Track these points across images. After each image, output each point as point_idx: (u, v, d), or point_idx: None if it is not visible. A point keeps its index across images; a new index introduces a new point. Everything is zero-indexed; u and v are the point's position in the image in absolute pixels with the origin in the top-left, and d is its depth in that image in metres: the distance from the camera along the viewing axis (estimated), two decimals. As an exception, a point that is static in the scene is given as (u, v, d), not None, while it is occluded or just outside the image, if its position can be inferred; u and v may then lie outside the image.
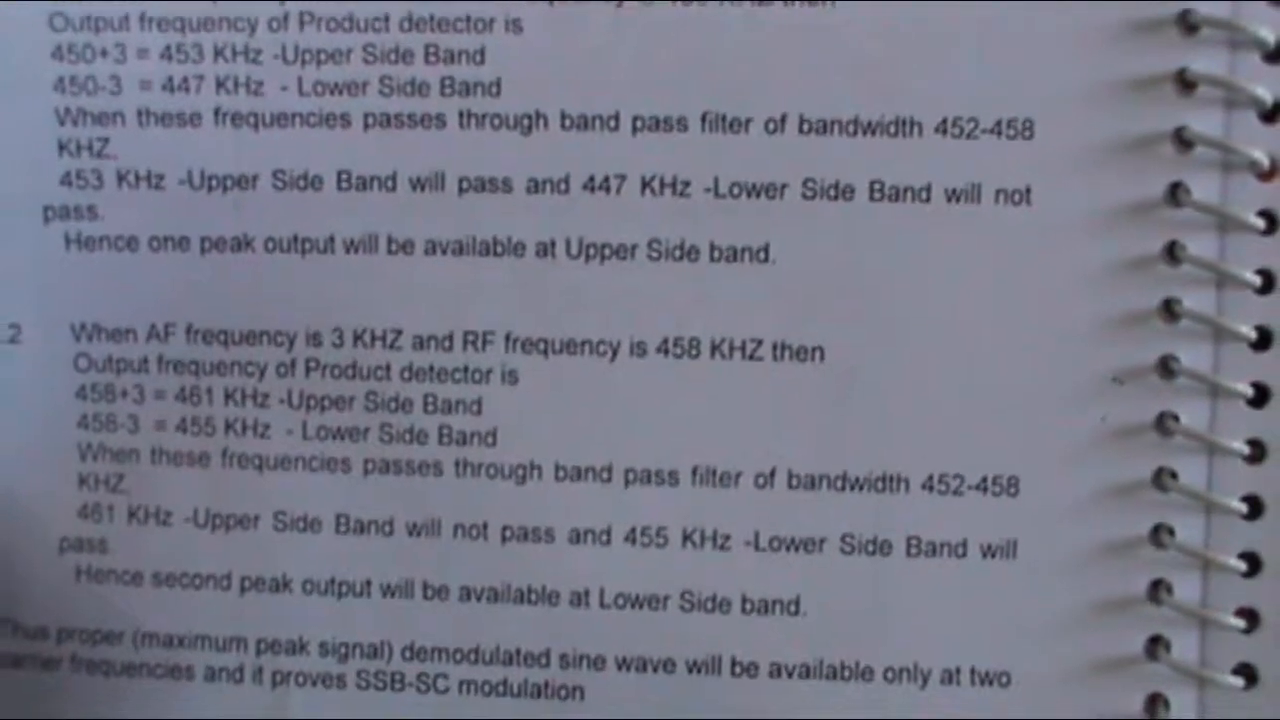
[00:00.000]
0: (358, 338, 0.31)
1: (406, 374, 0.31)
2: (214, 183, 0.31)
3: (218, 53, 0.31)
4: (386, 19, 0.30)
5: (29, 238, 0.32)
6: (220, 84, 0.31)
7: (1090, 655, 0.31)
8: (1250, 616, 0.30)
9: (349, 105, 0.31)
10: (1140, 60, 0.29)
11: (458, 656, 0.32)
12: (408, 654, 0.32)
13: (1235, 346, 0.30)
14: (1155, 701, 0.31)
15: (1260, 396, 0.30)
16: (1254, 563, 0.30)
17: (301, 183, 0.31)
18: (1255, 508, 0.30)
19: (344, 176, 0.31)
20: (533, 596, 0.32)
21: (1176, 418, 0.30)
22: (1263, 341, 0.30)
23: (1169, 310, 0.30)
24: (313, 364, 0.31)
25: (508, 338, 0.31)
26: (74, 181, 0.31)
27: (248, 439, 0.32)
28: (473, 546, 0.32)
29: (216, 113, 0.31)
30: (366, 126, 0.31)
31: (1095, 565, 0.30)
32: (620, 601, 0.31)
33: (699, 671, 0.31)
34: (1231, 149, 0.29)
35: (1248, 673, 0.30)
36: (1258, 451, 0.30)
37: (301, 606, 0.32)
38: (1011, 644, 0.31)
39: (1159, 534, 0.30)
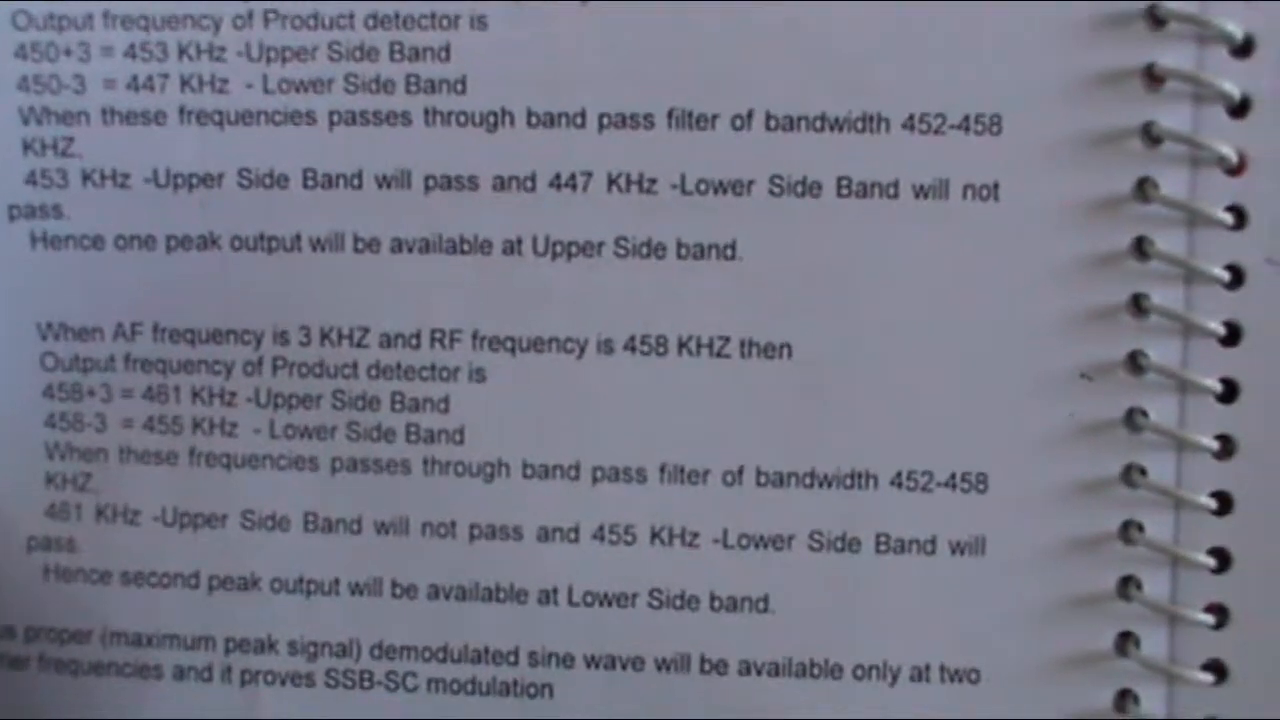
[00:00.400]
0: (325, 336, 0.31)
1: (374, 372, 0.31)
2: (179, 181, 0.31)
3: (182, 51, 0.31)
4: (351, 17, 0.30)
5: (-6, 237, 0.32)
6: (185, 82, 0.31)
7: (1060, 652, 0.31)
8: (1219, 612, 0.30)
9: (314, 103, 0.30)
10: (1108, 55, 0.29)
11: (426, 655, 0.32)
12: (376, 652, 0.32)
13: (1204, 342, 0.30)
14: (1125, 698, 0.31)
15: (1229, 392, 0.30)
16: (1223, 558, 0.30)
17: (267, 181, 0.31)
18: (1224, 503, 0.30)
19: (310, 175, 0.31)
20: (501, 595, 0.32)
21: (1145, 413, 0.30)
22: (1231, 337, 0.30)
23: (1138, 306, 0.30)
24: (280, 362, 0.31)
25: (475, 335, 0.31)
26: (39, 180, 0.31)
27: (215, 438, 0.32)
28: (441, 545, 0.31)
29: (181, 111, 0.31)
30: (332, 124, 0.30)
31: (1064, 561, 0.30)
32: (589, 599, 0.31)
33: (668, 669, 0.31)
34: (1200, 144, 0.29)
35: (1217, 668, 0.30)
36: (1227, 447, 0.30)
37: (270, 605, 0.32)
38: (981, 641, 0.31)
39: (1128, 530, 0.30)
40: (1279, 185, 0.29)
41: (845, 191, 0.30)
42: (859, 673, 0.31)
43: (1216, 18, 0.29)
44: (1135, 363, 0.30)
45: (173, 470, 0.32)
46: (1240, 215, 0.29)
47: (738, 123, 0.30)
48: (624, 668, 0.32)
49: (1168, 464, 0.30)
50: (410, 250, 0.31)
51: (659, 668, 0.31)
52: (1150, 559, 0.30)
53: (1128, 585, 0.30)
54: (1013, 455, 0.30)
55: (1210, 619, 0.30)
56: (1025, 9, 0.29)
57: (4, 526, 0.32)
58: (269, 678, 0.32)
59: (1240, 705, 0.30)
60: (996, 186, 0.30)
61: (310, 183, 0.31)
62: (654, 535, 0.31)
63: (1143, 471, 0.30)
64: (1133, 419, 0.30)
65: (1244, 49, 0.29)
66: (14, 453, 0.32)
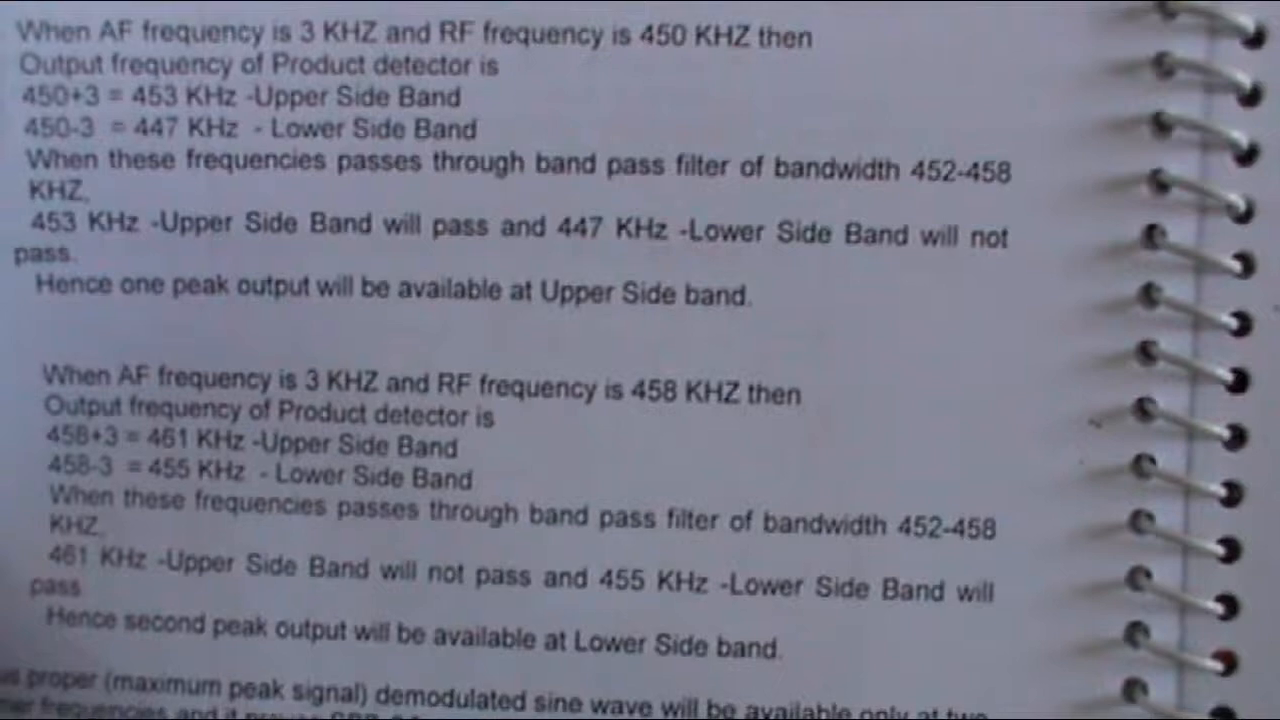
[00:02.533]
0: (332, 380, 0.31)
1: (381, 416, 0.31)
2: (187, 224, 0.31)
3: (191, 94, 0.31)
4: (361, 60, 0.30)
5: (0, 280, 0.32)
6: (194, 126, 0.31)
7: (1067, 698, 0.31)
8: (1228, 660, 0.30)
9: (323, 147, 0.30)
10: (1117, 103, 0.29)
11: (433, 699, 0.32)
12: (383, 697, 0.32)
13: (1212, 389, 0.30)
14: (1134, 738, 0.31)
15: (1237, 439, 0.30)
16: (1231, 605, 0.30)
17: (275, 224, 0.31)
18: (1232, 550, 0.30)
19: (318, 218, 0.31)
20: (508, 639, 0.31)
21: (1153, 460, 0.30)
22: (1239, 384, 0.30)
23: (1145, 352, 0.30)
24: (287, 406, 0.31)
25: (483, 380, 0.31)
26: (46, 224, 0.31)
27: (222, 481, 0.31)
28: (448, 589, 0.31)
29: (190, 154, 0.31)
30: (341, 168, 0.30)
31: (1072, 608, 0.30)
32: (596, 644, 0.31)
33: (675, 714, 0.31)
34: (1207, 192, 0.29)
35: (1226, 716, 0.30)
36: (1234, 494, 0.30)
37: (275, 650, 0.32)
38: (988, 687, 0.31)
39: (1136, 576, 0.30)
40: (1285, 232, 0.30)
41: (854, 237, 0.30)
42: (867, 718, 0.31)
43: (1223, 65, 0.29)
44: (1143, 409, 0.30)
45: (178, 513, 0.32)
46: (1248, 262, 0.29)
47: (747, 168, 0.30)
48: (631, 712, 0.31)
49: (1175, 510, 0.30)
50: (419, 294, 0.31)
51: (666, 712, 0.31)
52: (1158, 605, 0.30)
53: (1135, 631, 0.30)
54: (1021, 501, 0.30)
55: (1219, 666, 0.30)
56: (1034, 55, 0.29)
57: (7, 569, 0.32)
58: (274, 722, 0.32)
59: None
60: (1005, 233, 0.30)
61: (319, 226, 0.31)
62: (661, 580, 0.31)
63: (1150, 518, 0.30)
64: (1140, 465, 0.30)
65: (1251, 95, 0.29)
66: (18, 495, 0.32)
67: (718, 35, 0.30)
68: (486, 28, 0.30)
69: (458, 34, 0.30)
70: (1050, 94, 0.29)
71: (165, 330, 0.31)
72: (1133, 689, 0.30)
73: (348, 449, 0.31)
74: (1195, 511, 0.30)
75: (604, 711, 0.31)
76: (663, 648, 0.31)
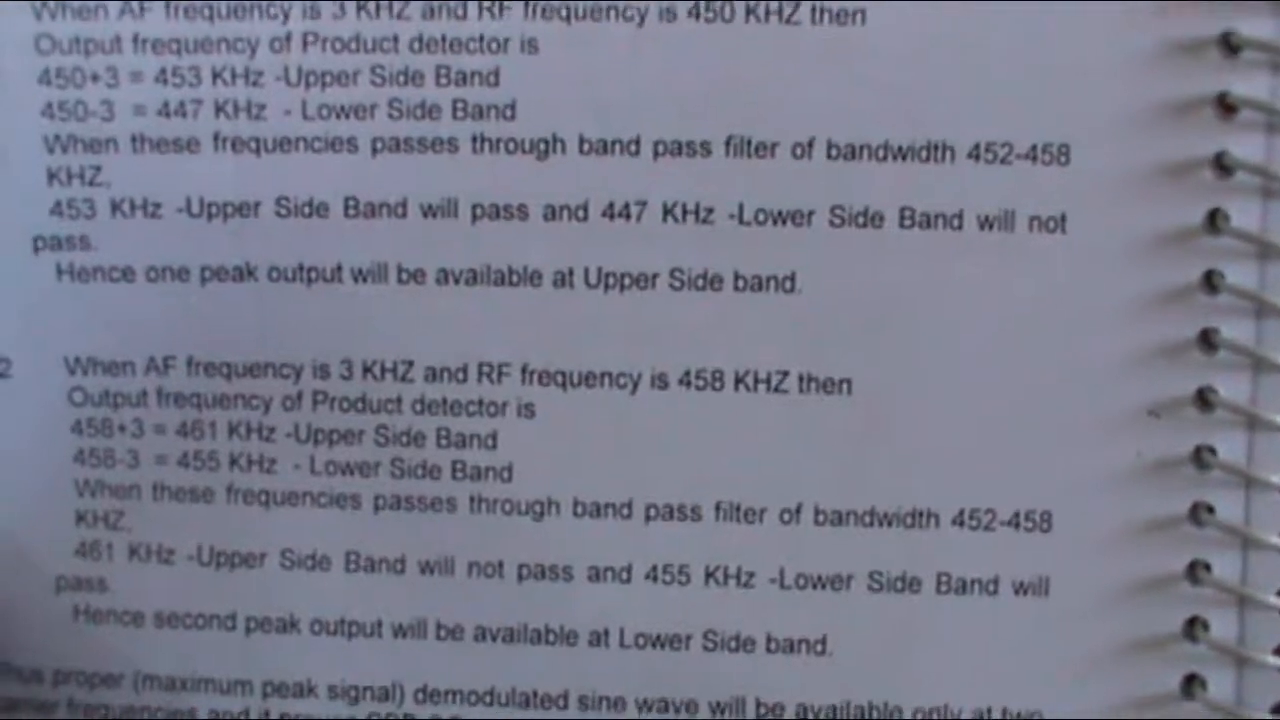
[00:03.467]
0: (367, 370, 0.30)
1: (419, 407, 0.30)
2: (214, 211, 0.30)
3: (216, 75, 0.29)
4: (395, 39, 0.29)
5: (17, 269, 0.30)
6: (219, 108, 0.29)
7: (1124, 695, 0.30)
8: (1292, 655, 0.30)
9: (356, 129, 0.29)
10: (1180, 83, 0.28)
11: (473, 699, 0.31)
12: (420, 697, 0.31)
13: (1275, 378, 0.29)
14: (1189, 740, 0.30)
15: (1302, 430, 0.29)
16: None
17: (306, 210, 0.30)
18: (1298, 544, 0.29)
19: (351, 203, 0.30)
20: (550, 636, 0.31)
21: (1214, 451, 0.29)
22: (1306, 374, 0.29)
23: (1207, 341, 0.29)
24: (320, 397, 0.30)
25: (524, 370, 0.30)
26: (65, 211, 0.30)
27: (253, 474, 0.31)
28: (488, 585, 0.30)
29: (216, 138, 0.30)
30: (375, 151, 0.29)
31: (1130, 603, 0.30)
32: (641, 641, 0.31)
33: (723, 713, 0.31)
34: (1273, 175, 0.28)
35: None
36: (1300, 488, 0.29)
37: (309, 648, 0.31)
38: (1043, 684, 0.30)
39: (1195, 570, 0.30)
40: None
41: (908, 222, 0.29)
42: (919, 716, 0.30)
43: (1292, 44, 0.28)
44: (1204, 399, 0.29)
45: (209, 508, 0.31)
46: (1313, 248, 0.29)
47: (798, 151, 0.29)
48: (678, 711, 0.31)
49: (1237, 502, 0.29)
50: (457, 282, 0.30)
51: (714, 711, 0.31)
52: (1218, 600, 0.30)
53: (1195, 626, 0.30)
54: (1078, 494, 0.30)
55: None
56: (1095, 35, 0.28)
57: (32, 566, 0.31)
58: (308, 722, 0.31)
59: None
60: (1064, 218, 0.29)
61: (352, 212, 0.30)
62: (709, 575, 0.30)
63: (1210, 510, 0.29)
64: (1201, 457, 0.29)
65: (1322, 78, 0.28)
66: (42, 490, 0.31)
67: (768, 13, 0.29)
68: (526, 4, 0.29)
69: (496, 11, 0.29)
70: (1111, 75, 0.28)
71: (192, 320, 0.30)
72: (1191, 685, 0.30)
73: (383, 441, 0.30)
74: (1257, 504, 0.29)
75: (649, 711, 0.31)
76: (710, 645, 0.30)
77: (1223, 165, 0.29)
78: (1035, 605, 0.30)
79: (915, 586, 0.30)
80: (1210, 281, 0.29)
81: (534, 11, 0.29)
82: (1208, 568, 0.30)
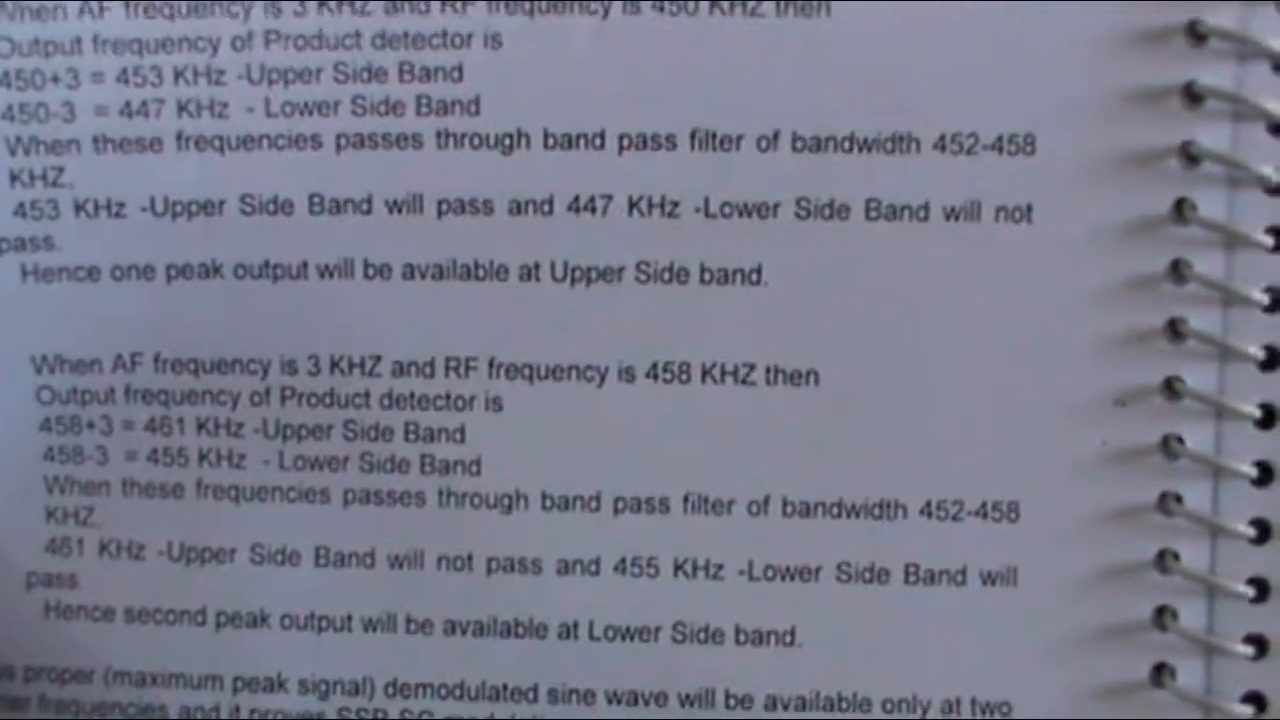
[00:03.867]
0: (335, 365, 0.30)
1: (386, 401, 0.30)
2: (179, 209, 0.30)
3: (178, 75, 0.29)
4: (358, 35, 0.29)
5: (-20, 271, 0.30)
6: (182, 107, 0.29)
7: (1093, 684, 0.30)
8: (1259, 644, 0.29)
9: (320, 126, 0.29)
10: (1146, 72, 0.28)
11: (443, 692, 0.31)
12: (390, 691, 0.31)
13: (1242, 367, 0.29)
14: (1160, 728, 0.30)
15: (1268, 418, 0.29)
16: (1262, 588, 0.29)
17: (271, 207, 0.29)
18: (1263, 531, 0.29)
19: (316, 200, 0.29)
20: (520, 630, 0.31)
21: (1181, 440, 0.29)
22: (1270, 361, 0.29)
23: (1174, 330, 0.29)
24: (289, 392, 0.30)
25: (491, 363, 0.30)
26: (28, 212, 0.30)
27: (222, 469, 0.30)
28: (457, 578, 0.30)
29: (179, 137, 0.29)
30: (339, 148, 0.29)
31: (1098, 592, 0.30)
32: (610, 634, 0.31)
33: (692, 704, 0.31)
34: (1240, 164, 0.28)
35: (1257, 701, 0.30)
36: (1265, 474, 0.29)
37: (279, 643, 0.31)
38: (1012, 673, 0.30)
39: (1164, 559, 0.29)
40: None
41: (874, 214, 0.29)
42: (888, 706, 0.30)
43: (1259, 33, 0.28)
44: (1171, 388, 0.29)
45: (178, 503, 0.31)
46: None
47: (763, 144, 0.29)
48: (647, 703, 0.31)
49: (1204, 492, 0.29)
50: (423, 277, 0.30)
51: (683, 703, 0.31)
52: (1186, 589, 0.29)
53: (1163, 615, 0.30)
54: (1045, 483, 0.29)
55: (1249, 650, 0.29)
56: (1060, 24, 0.28)
57: (2, 563, 0.31)
58: (279, 717, 0.31)
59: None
60: (1030, 208, 0.29)
61: (317, 208, 0.29)
62: (677, 567, 0.30)
63: (1179, 499, 0.29)
64: (1168, 446, 0.29)
65: (1287, 67, 0.28)
66: (12, 487, 0.31)
67: (732, 6, 0.29)
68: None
69: (459, 6, 0.29)
70: (1077, 64, 0.28)
71: (159, 317, 0.30)
72: (1161, 674, 0.30)
73: (352, 435, 0.30)
74: (1225, 493, 0.29)
75: (619, 703, 0.31)
76: (679, 637, 0.30)
77: (1189, 154, 0.28)
78: (1003, 595, 0.30)
79: (883, 577, 0.30)
80: (1177, 271, 0.29)
81: (497, 6, 0.29)
82: (1176, 556, 0.29)
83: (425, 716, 0.31)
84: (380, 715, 0.31)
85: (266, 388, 0.30)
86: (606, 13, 0.29)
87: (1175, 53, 0.28)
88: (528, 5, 0.29)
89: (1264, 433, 0.29)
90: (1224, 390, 0.29)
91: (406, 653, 0.31)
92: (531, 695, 0.31)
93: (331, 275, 0.30)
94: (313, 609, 0.31)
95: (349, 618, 0.31)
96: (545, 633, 0.31)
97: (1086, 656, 0.30)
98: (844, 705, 0.30)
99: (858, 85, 0.29)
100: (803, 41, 0.29)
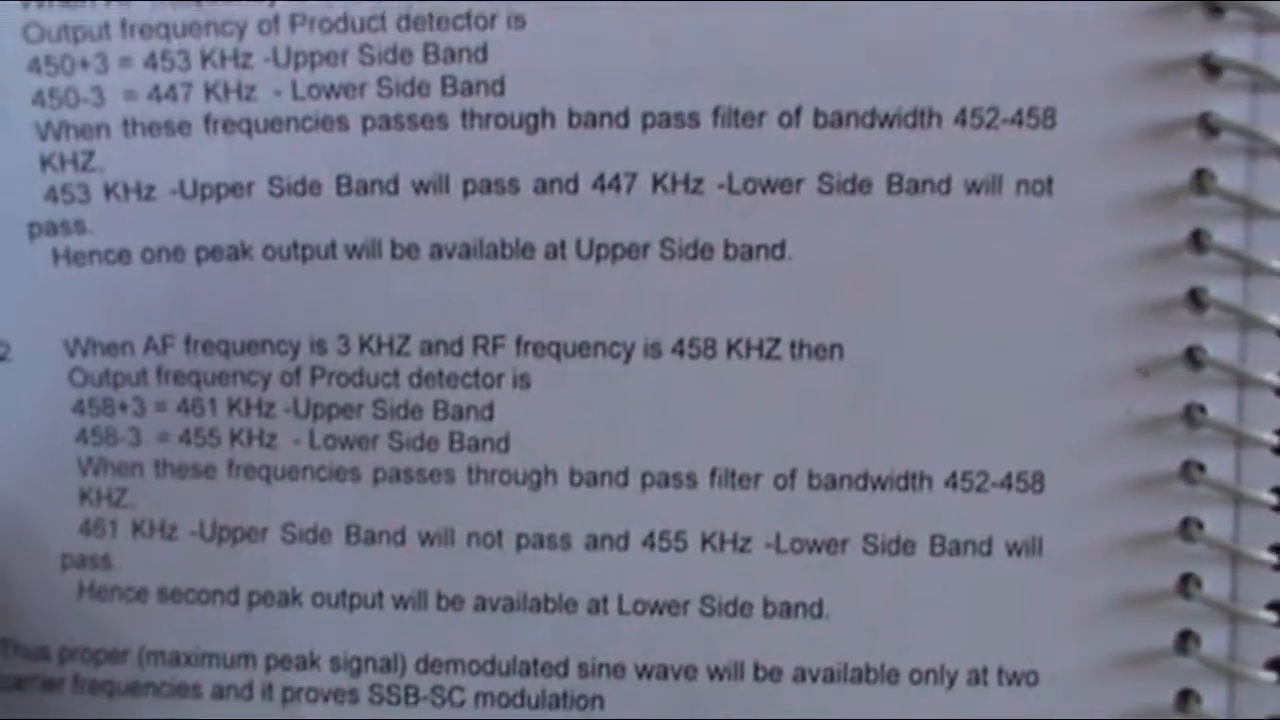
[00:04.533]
0: (364, 344, 0.30)
1: (415, 380, 0.30)
2: (207, 192, 0.30)
3: (205, 58, 0.30)
4: (383, 18, 0.29)
5: (14, 255, 0.31)
6: (210, 91, 0.30)
7: (1119, 651, 0.30)
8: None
9: (346, 108, 0.30)
10: (1164, 44, 0.29)
11: (474, 668, 0.31)
12: (422, 666, 0.31)
13: (1263, 335, 0.29)
14: (1186, 697, 0.30)
15: (1291, 388, 0.29)
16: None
17: (299, 188, 0.30)
18: (1287, 499, 0.30)
19: (344, 181, 0.30)
20: (550, 605, 0.31)
21: (1204, 409, 0.30)
22: (1294, 331, 0.29)
23: (1195, 300, 0.29)
24: (318, 372, 0.31)
25: (519, 341, 0.30)
26: (59, 197, 0.30)
27: (254, 449, 0.31)
28: (487, 555, 0.31)
29: (207, 120, 0.30)
30: (365, 129, 0.30)
31: (1122, 560, 0.30)
32: (639, 608, 0.31)
33: (721, 677, 0.31)
34: (1258, 135, 0.29)
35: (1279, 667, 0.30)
36: (1288, 444, 0.30)
37: (312, 620, 0.31)
38: (1038, 642, 0.30)
39: (1187, 528, 0.30)
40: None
41: (896, 188, 0.29)
42: (915, 677, 0.31)
43: (1276, 5, 0.28)
44: (1193, 358, 0.29)
45: (210, 484, 0.31)
46: (1301, 207, 0.29)
47: (785, 120, 0.29)
48: (676, 677, 0.31)
49: (1227, 460, 0.30)
50: (450, 256, 0.30)
51: (712, 676, 0.31)
52: (1210, 556, 0.30)
53: (1187, 583, 0.30)
54: (1069, 453, 0.30)
55: (1273, 617, 0.30)
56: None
57: (37, 544, 0.31)
58: (311, 695, 0.32)
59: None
60: (1050, 181, 0.29)
61: (344, 189, 0.30)
62: (705, 541, 0.31)
63: (1201, 468, 0.30)
64: (1191, 415, 0.30)
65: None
66: (45, 469, 0.31)
67: (753, -18, 0.29)
68: (513, -20, 0.29)
69: (483, -13, 0.29)
70: (1095, 37, 0.29)
71: (189, 299, 0.30)
72: (1185, 643, 0.30)
73: (382, 414, 0.31)
74: (1247, 461, 0.30)
75: (648, 677, 0.31)
76: (707, 610, 0.31)
77: (1208, 125, 0.29)
78: (1029, 565, 0.30)
79: (910, 549, 0.30)
80: (1197, 241, 0.29)
81: (521, -14, 0.29)
82: (1200, 525, 0.30)
83: (456, 691, 0.31)
84: (412, 691, 0.31)
85: (297, 368, 0.31)
86: (629, -9, 0.29)
87: (1193, 25, 0.29)
88: (551, -15, 0.29)
89: (1283, 401, 0.30)
90: (1245, 359, 0.29)
91: (437, 629, 0.31)
92: (562, 669, 0.31)
93: (360, 255, 0.30)
94: (344, 587, 0.31)
95: (380, 595, 0.31)
96: (575, 608, 0.31)
97: (1111, 625, 0.30)
98: (872, 676, 0.31)
99: (878, 61, 0.29)
100: (823, 17, 0.29)
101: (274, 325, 0.30)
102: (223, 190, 0.30)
